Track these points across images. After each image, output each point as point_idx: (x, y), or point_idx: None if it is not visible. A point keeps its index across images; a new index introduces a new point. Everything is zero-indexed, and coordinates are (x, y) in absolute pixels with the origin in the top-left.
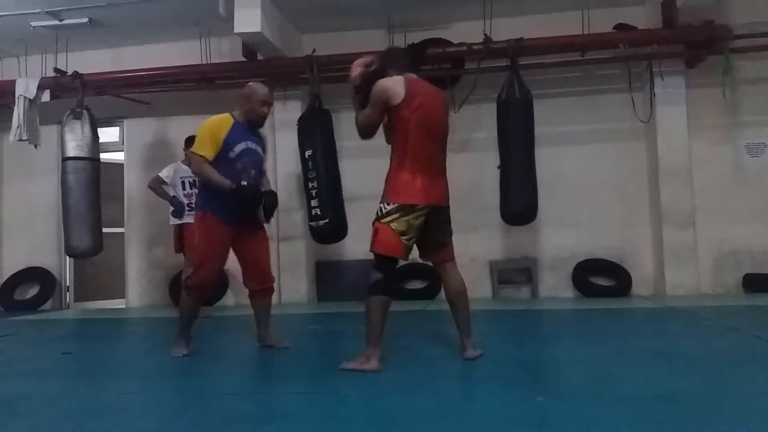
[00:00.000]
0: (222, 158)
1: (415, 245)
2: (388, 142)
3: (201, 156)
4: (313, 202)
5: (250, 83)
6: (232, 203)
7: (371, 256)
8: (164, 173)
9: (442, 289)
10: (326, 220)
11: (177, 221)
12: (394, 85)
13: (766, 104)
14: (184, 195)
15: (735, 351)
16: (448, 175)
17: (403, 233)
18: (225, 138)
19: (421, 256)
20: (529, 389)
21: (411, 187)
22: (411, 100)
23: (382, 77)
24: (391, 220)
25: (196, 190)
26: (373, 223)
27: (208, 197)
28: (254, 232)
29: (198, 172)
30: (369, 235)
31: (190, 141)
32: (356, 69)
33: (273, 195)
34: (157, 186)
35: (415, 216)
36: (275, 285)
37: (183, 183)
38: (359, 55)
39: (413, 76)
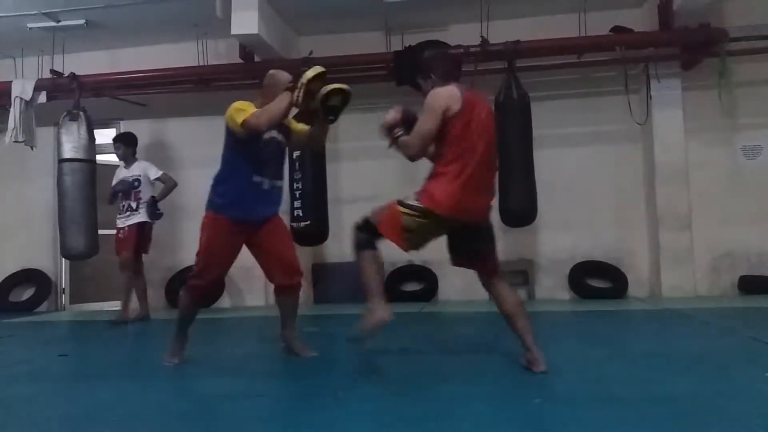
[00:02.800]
0: (249, 146)
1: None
2: (427, 156)
3: (250, 112)
4: (296, 203)
5: (272, 71)
6: (256, 193)
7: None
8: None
9: (499, 305)
10: (307, 222)
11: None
12: (452, 94)
13: (762, 107)
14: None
15: (732, 353)
16: None
17: (407, 230)
18: None
19: (452, 261)
20: (526, 391)
21: (444, 201)
22: (466, 111)
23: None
24: (407, 212)
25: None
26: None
27: (219, 198)
28: (273, 223)
29: (264, 121)
30: None
31: (119, 139)
32: (391, 113)
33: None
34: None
35: (432, 224)
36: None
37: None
38: (356, 57)
39: (463, 85)
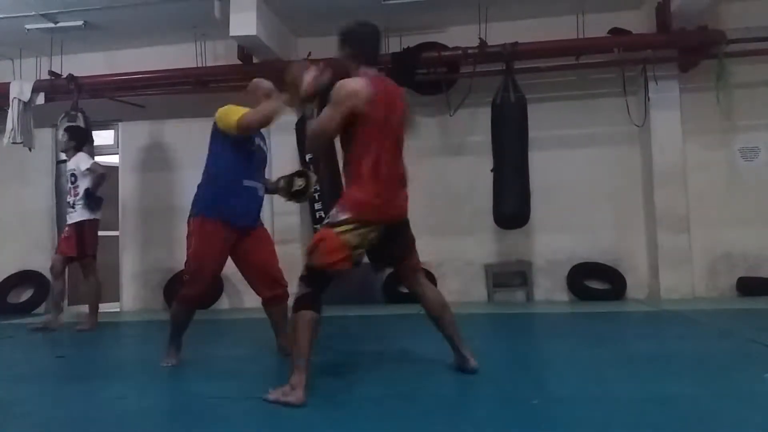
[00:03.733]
0: (244, 148)
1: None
2: (342, 146)
3: (240, 118)
4: (317, 206)
5: (255, 79)
6: (239, 199)
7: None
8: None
9: (425, 306)
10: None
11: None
12: (362, 89)
13: (759, 109)
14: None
15: (730, 354)
16: (447, 179)
17: (355, 247)
18: None
19: (374, 269)
20: (524, 392)
21: (371, 201)
22: (376, 105)
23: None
24: (344, 231)
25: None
26: (317, 228)
27: (204, 200)
28: (257, 234)
29: (256, 121)
30: None
31: (67, 129)
32: (307, 78)
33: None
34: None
35: (370, 230)
36: None
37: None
38: None
39: (374, 73)
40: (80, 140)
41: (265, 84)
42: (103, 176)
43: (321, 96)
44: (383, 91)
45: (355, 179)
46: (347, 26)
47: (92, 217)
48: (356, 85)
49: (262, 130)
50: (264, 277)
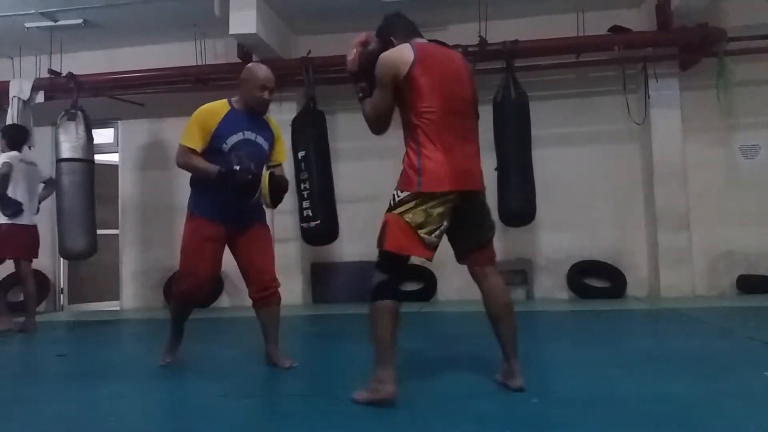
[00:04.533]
0: (212, 151)
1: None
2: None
3: (187, 147)
4: (305, 203)
5: (249, 65)
6: (225, 201)
7: (369, 256)
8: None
9: (486, 303)
10: (317, 222)
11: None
12: (401, 54)
13: (760, 106)
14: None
15: (730, 353)
16: None
17: (420, 226)
18: (216, 128)
19: (457, 259)
20: (524, 391)
21: (430, 169)
22: (422, 66)
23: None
24: (405, 210)
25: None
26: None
27: (196, 197)
28: (252, 231)
29: (181, 164)
30: (365, 237)
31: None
32: (351, 52)
33: (278, 176)
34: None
35: (434, 204)
36: None
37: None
38: None
39: (421, 40)
40: (12, 139)
41: (261, 73)
42: (3, 177)
43: (369, 70)
44: (431, 52)
45: (412, 147)
46: (380, 25)
47: (7, 221)
48: (397, 53)
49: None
50: (253, 276)
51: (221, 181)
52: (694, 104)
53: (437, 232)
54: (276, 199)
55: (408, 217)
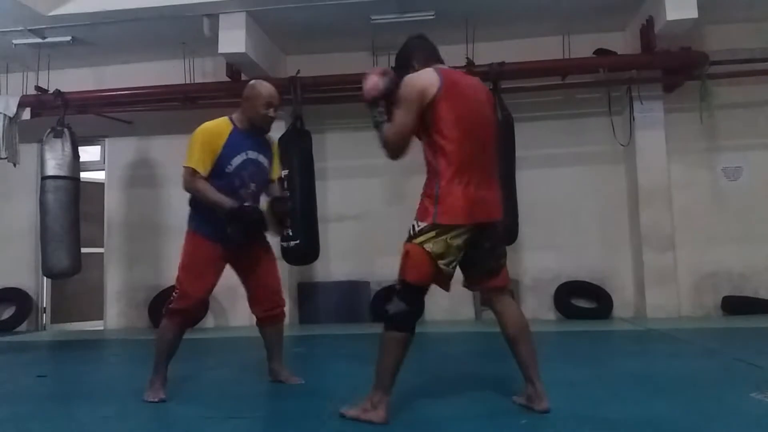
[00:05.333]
0: (217, 173)
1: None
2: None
3: (192, 169)
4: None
5: (252, 82)
6: (228, 227)
7: (357, 275)
8: None
9: (501, 326)
10: (297, 242)
11: None
12: (427, 78)
13: (742, 129)
14: None
15: (716, 374)
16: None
17: (440, 256)
18: (222, 149)
19: (465, 285)
20: (512, 412)
21: (452, 201)
22: (448, 93)
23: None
24: (425, 240)
25: None
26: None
27: (198, 217)
28: (257, 250)
29: (191, 190)
30: (353, 256)
31: None
32: (370, 79)
33: (282, 200)
34: None
35: (454, 235)
36: None
37: None
38: (344, 76)
39: (443, 66)
40: None
41: (265, 90)
42: None
43: (387, 99)
44: (457, 81)
45: (433, 179)
46: (401, 48)
47: None
48: (424, 77)
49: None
50: (261, 294)
51: (231, 221)
52: (678, 126)
53: (454, 263)
54: (281, 229)
55: (428, 246)
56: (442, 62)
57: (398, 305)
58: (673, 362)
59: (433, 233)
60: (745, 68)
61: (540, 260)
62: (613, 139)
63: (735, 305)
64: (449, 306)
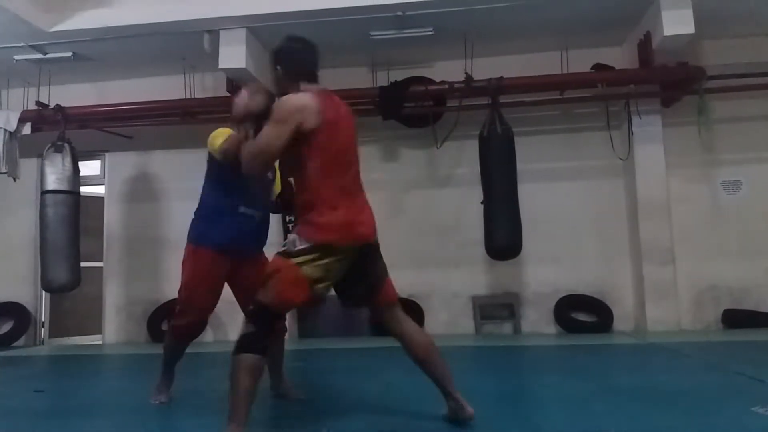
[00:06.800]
0: (239, 173)
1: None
2: (285, 173)
3: (223, 141)
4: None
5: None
6: (240, 219)
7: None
8: None
9: (407, 349)
10: None
11: None
12: (308, 104)
13: (740, 143)
14: None
15: (717, 387)
16: (434, 210)
17: (318, 280)
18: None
19: (343, 304)
20: (511, 427)
21: (335, 223)
22: (327, 120)
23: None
24: (304, 262)
25: None
26: (276, 258)
27: (206, 227)
28: (258, 264)
29: (231, 150)
30: None
31: None
32: (242, 98)
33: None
34: None
35: (338, 258)
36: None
37: None
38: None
39: (319, 88)
40: None
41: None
42: None
43: (257, 118)
44: (332, 105)
45: (313, 203)
46: (278, 44)
47: None
48: (302, 100)
49: None
50: None
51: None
52: (677, 141)
53: (329, 286)
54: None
55: (307, 270)
56: (316, 81)
57: (249, 328)
58: (674, 376)
59: (312, 256)
60: (743, 83)
61: (540, 274)
62: (611, 153)
63: (735, 319)
64: (448, 319)
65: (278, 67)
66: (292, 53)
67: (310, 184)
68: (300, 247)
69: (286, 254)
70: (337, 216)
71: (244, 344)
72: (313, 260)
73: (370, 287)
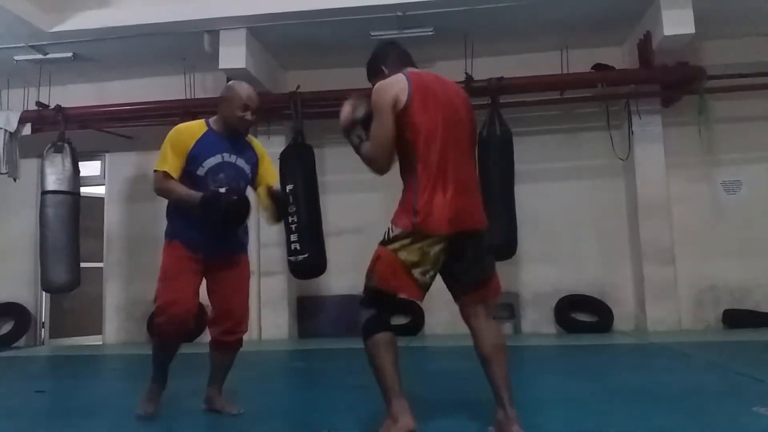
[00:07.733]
0: (188, 176)
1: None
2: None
3: (163, 172)
4: (293, 237)
5: (231, 82)
6: (209, 228)
7: (357, 289)
8: None
9: (476, 344)
10: (305, 255)
11: None
12: (396, 83)
13: (740, 143)
14: None
15: (718, 387)
16: None
17: (414, 265)
18: (191, 149)
19: (454, 298)
20: None
21: (427, 208)
22: (418, 97)
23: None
24: (400, 248)
25: None
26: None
27: (176, 224)
28: (233, 267)
29: (161, 191)
30: (353, 270)
31: None
32: (344, 110)
33: (277, 189)
34: None
35: (431, 242)
36: (256, 322)
37: None
38: (343, 91)
39: (414, 69)
40: None
41: (243, 92)
42: None
43: (364, 122)
44: (428, 84)
45: (410, 185)
46: (369, 59)
47: None
48: (393, 83)
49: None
50: (224, 317)
51: (206, 209)
52: (677, 140)
53: (432, 273)
54: (283, 211)
55: (402, 255)
56: (414, 66)
57: (367, 312)
58: (674, 376)
59: (407, 240)
60: (742, 83)
61: (540, 274)
62: (612, 153)
63: (736, 318)
64: (449, 319)
65: (375, 69)
66: (381, 51)
67: (407, 165)
68: (395, 233)
69: (383, 242)
70: (432, 200)
71: (370, 328)
72: (405, 246)
73: (474, 282)
